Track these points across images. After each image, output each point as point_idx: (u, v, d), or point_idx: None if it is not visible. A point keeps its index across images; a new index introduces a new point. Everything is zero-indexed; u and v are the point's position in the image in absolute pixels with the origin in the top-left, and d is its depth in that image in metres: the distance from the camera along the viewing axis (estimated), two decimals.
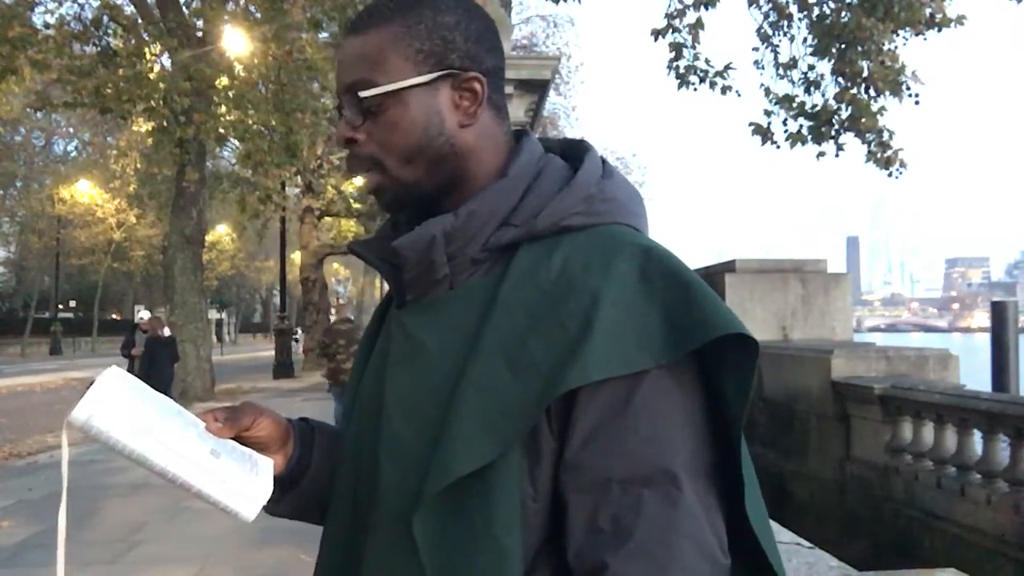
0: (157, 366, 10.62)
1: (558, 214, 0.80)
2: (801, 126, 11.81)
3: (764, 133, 11.82)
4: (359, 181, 27.74)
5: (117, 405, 0.76)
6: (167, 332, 11.27)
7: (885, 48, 10.92)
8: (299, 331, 15.43)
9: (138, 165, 26.95)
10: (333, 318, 28.60)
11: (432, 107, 0.82)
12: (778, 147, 11.97)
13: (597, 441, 0.72)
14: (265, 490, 0.82)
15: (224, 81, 13.46)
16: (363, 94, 0.82)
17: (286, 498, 0.92)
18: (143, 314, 11.78)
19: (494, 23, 0.90)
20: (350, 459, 0.89)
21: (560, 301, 0.74)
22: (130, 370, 10.54)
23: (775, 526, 3.49)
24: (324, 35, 13.01)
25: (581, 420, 0.72)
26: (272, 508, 0.93)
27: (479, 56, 0.84)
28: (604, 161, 0.88)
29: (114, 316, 49.29)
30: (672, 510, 0.70)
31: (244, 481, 0.81)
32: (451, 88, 0.83)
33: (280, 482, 0.90)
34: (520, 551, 0.73)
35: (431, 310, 0.83)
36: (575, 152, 0.88)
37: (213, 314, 31.28)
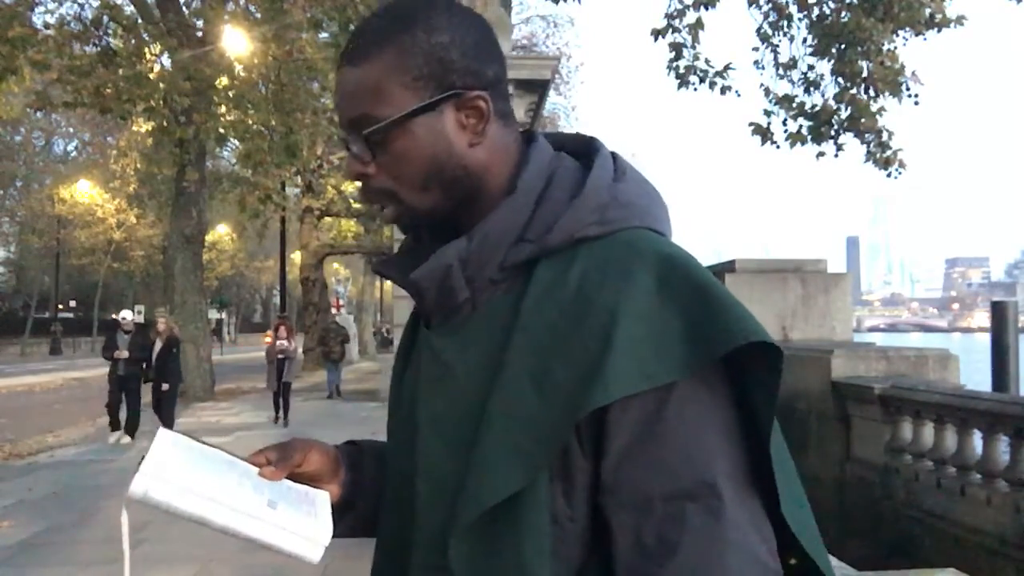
0: (172, 367, 10.53)
1: (571, 227, 0.78)
2: (801, 126, 11.80)
3: (764, 133, 11.81)
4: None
5: (171, 473, 0.78)
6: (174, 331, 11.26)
7: (885, 48, 10.92)
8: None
9: (138, 165, 26.93)
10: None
11: (438, 132, 0.80)
12: (778, 147, 11.96)
13: (633, 459, 0.71)
14: (326, 530, 0.84)
15: (224, 81, 13.45)
16: (367, 131, 0.80)
17: (343, 520, 0.93)
18: (125, 314, 10.70)
19: (490, 28, 0.86)
20: (393, 474, 0.91)
21: (580, 319, 0.73)
22: (113, 373, 10.11)
23: None
24: (324, 35, 12.99)
25: (614, 439, 0.72)
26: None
27: (479, 71, 0.81)
28: (616, 159, 0.86)
29: (114, 316, 49.20)
30: (716, 522, 0.69)
31: (305, 525, 0.82)
32: (455, 109, 0.81)
33: (336, 508, 0.91)
34: (548, 568, 0.72)
35: (456, 332, 0.82)
36: (586, 151, 0.86)
37: (213, 314, 31.28)
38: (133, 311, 12.60)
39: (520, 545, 0.72)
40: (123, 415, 10.31)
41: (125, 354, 10.05)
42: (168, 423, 10.25)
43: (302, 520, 0.83)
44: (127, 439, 10.05)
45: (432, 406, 0.83)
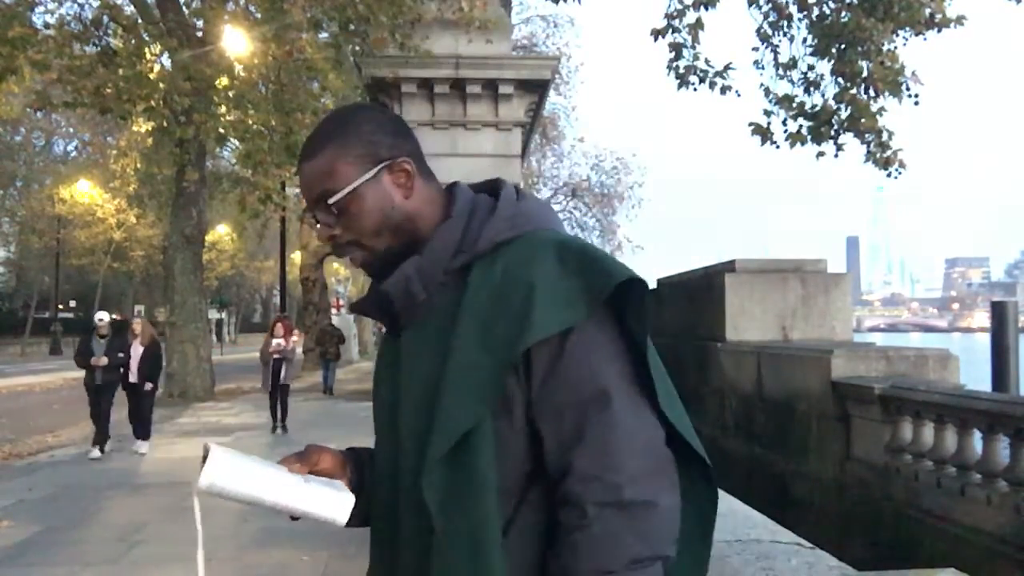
0: (154, 372, 9.55)
1: (492, 235, 1.08)
2: (801, 126, 11.80)
3: (764, 133, 11.81)
4: None
5: (228, 469, 1.04)
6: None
7: (885, 48, 10.92)
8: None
9: (138, 165, 26.91)
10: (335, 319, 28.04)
11: (381, 192, 1.12)
12: (778, 147, 11.97)
13: (549, 382, 1.01)
14: (350, 499, 1.10)
15: (224, 81, 13.45)
16: (331, 201, 1.11)
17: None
18: (101, 315, 9.48)
19: (400, 118, 1.24)
20: (380, 457, 1.17)
21: (508, 293, 1.02)
22: (90, 382, 9.08)
23: (775, 526, 3.49)
24: (324, 35, 12.98)
25: (536, 369, 1.01)
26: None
27: (400, 144, 1.15)
28: (517, 188, 1.18)
29: (114, 316, 49.10)
30: (608, 414, 0.99)
31: (332, 496, 1.09)
32: (389, 173, 1.12)
33: None
34: (495, 479, 0.99)
35: (419, 328, 1.11)
36: (495, 187, 1.18)
37: (213, 314, 31.23)
38: (134, 312, 12.01)
39: (476, 460, 0.99)
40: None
41: (104, 360, 8.99)
42: (146, 431, 9.43)
43: (330, 493, 1.09)
44: (96, 452, 9.03)
45: (410, 390, 1.09)
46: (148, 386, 9.42)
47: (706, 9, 11.25)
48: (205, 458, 1.04)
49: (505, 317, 1.00)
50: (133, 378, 9.31)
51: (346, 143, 1.12)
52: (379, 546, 1.15)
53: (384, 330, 1.25)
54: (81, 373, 9.19)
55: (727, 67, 11.61)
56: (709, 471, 1.10)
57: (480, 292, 1.04)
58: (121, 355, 9.16)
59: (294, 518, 1.13)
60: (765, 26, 12.12)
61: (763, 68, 12.25)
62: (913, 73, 11.07)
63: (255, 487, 1.04)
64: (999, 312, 12.44)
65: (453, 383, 1.00)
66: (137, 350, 9.31)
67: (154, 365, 9.53)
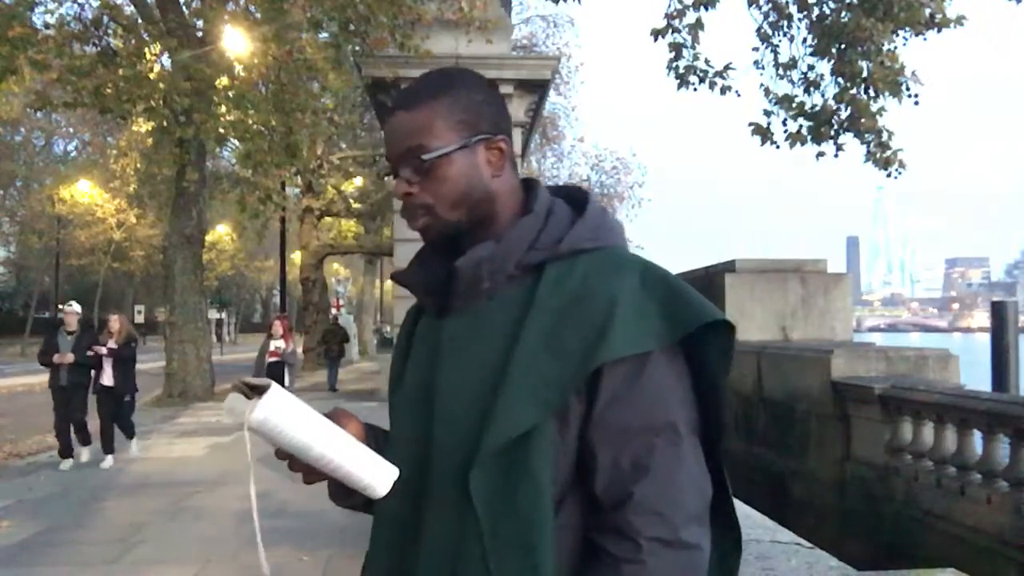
0: (128, 374, 8.70)
1: (576, 241, 1.05)
2: (801, 126, 11.78)
3: (764, 133, 11.79)
4: (359, 181, 27.81)
5: (285, 407, 0.99)
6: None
7: (885, 48, 10.91)
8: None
9: (138, 165, 26.95)
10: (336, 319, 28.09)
11: (473, 164, 1.07)
12: (778, 147, 11.95)
13: (618, 402, 0.97)
14: (394, 472, 1.04)
15: (224, 81, 13.45)
16: (425, 156, 1.05)
17: (355, 495, 1.08)
18: (71, 306, 8.57)
19: (503, 97, 1.15)
20: (402, 442, 1.11)
21: (585, 302, 0.99)
22: (54, 383, 8.32)
23: (775, 526, 3.49)
24: (324, 35, 12.98)
25: (605, 388, 0.97)
26: (346, 502, 1.15)
27: (501, 123, 1.11)
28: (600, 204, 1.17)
29: (112, 315, 49.06)
30: (676, 452, 0.97)
31: (379, 464, 1.04)
32: (484, 149, 1.08)
33: None
34: (551, 486, 0.97)
35: (475, 316, 1.06)
36: (577, 195, 1.15)
37: (213, 314, 31.21)
38: (133, 310, 11.62)
39: (531, 463, 0.96)
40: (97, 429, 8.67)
41: (70, 357, 8.15)
42: (128, 434, 8.98)
43: (377, 459, 1.04)
44: (108, 460, 8.50)
45: (452, 376, 1.05)
46: (126, 397, 8.69)
47: (706, 9, 11.23)
48: (246, 393, 0.99)
49: (579, 327, 0.98)
50: (108, 381, 8.50)
51: (453, 104, 1.07)
52: (391, 527, 1.10)
53: (416, 310, 1.20)
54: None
55: (727, 67, 11.59)
56: (738, 532, 1.10)
57: (555, 294, 1.01)
58: (91, 354, 8.36)
59: (310, 480, 1.07)
60: (765, 26, 12.11)
61: (763, 68, 12.24)
62: (913, 73, 11.07)
63: (307, 433, 0.99)
64: (999, 312, 12.44)
65: (516, 379, 0.97)
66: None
67: (126, 369, 8.62)
